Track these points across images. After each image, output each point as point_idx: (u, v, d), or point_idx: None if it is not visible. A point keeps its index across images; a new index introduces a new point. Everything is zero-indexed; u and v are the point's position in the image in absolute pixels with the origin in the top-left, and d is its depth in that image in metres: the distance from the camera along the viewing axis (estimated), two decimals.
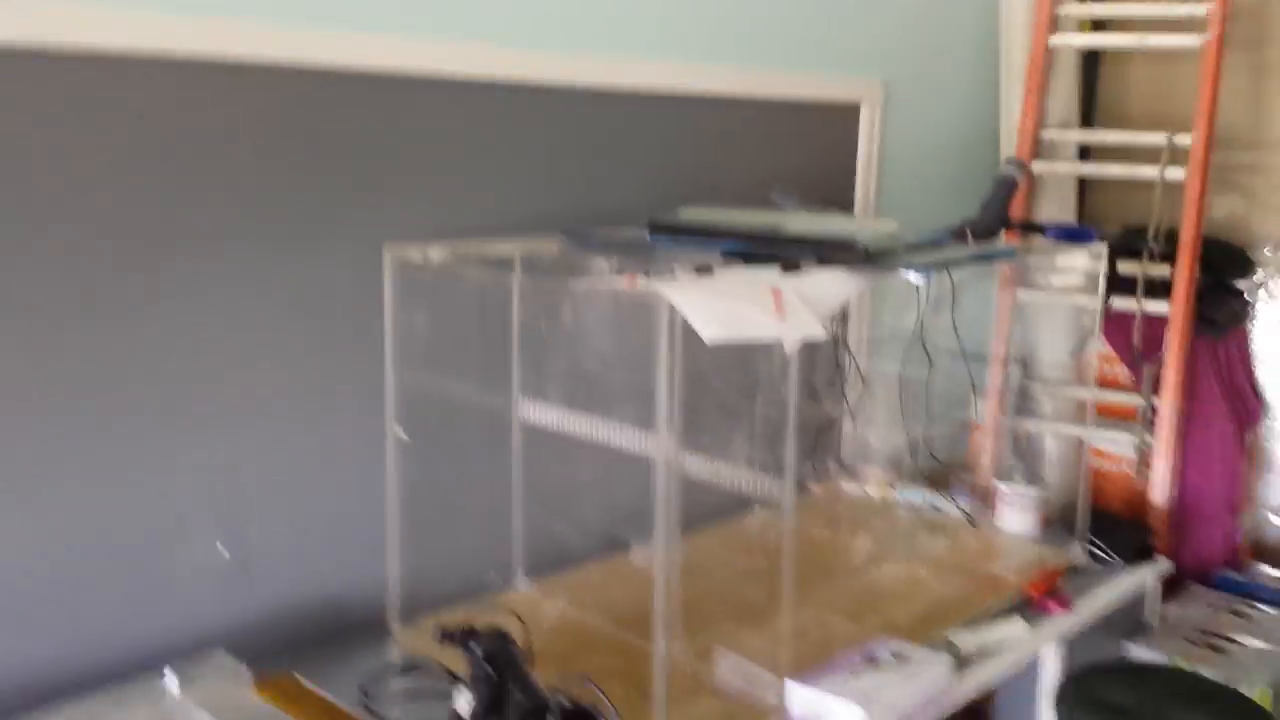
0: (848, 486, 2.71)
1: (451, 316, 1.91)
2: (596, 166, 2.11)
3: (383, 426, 1.87)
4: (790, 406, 1.65)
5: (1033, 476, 2.84)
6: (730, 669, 1.73)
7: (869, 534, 2.40)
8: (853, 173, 2.68)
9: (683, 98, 2.25)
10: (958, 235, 2.34)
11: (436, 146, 1.87)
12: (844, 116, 2.64)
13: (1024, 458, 2.90)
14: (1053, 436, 2.91)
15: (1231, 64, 2.91)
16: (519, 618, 1.79)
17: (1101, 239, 2.53)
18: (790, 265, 1.71)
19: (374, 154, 1.78)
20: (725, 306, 1.46)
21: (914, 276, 1.76)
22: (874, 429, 2.78)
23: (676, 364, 1.43)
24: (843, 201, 2.67)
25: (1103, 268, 2.48)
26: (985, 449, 2.83)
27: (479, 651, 1.48)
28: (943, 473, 2.79)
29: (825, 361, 2.67)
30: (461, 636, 1.50)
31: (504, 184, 1.96)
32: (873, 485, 2.70)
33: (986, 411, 2.83)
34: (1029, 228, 2.43)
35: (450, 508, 1.97)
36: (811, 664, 1.72)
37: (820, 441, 2.72)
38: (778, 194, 2.41)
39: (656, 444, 1.46)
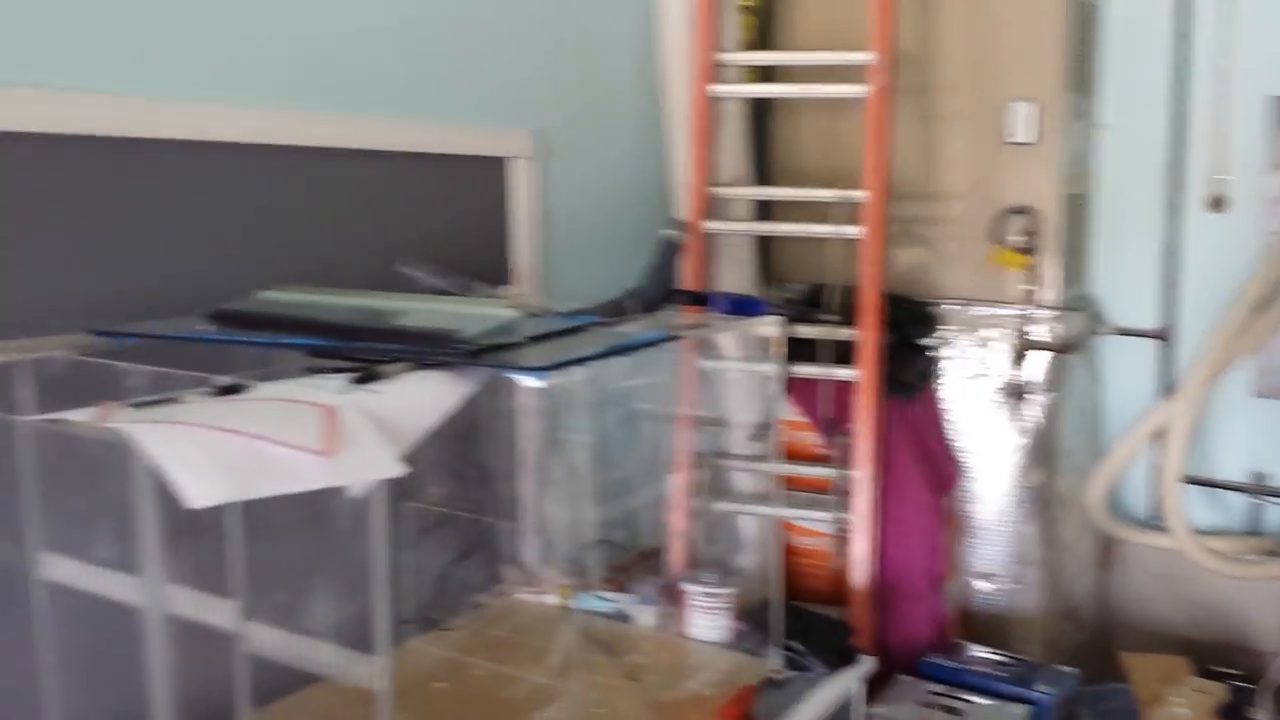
0: (526, 596, 2.34)
1: None
2: (166, 237, 1.66)
3: None
4: (377, 556, 1.27)
5: (729, 565, 2.58)
6: None
7: (537, 662, 2.04)
8: (507, 237, 2.35)
9: (284, 150, 1.84)
10: (616, 309, 2.05)
11: None
12: (493, 173, 2.32)
13: (721, 542, 2.63)
14: (746, 517, 2.65)
15: (901, 113, 2.80)
16: None
17: (780, 306, 2.32)
18: (367, 376, 1.34)
19: None
20: (234, 450, 1.07)
21: (527, 379, 1.43)
22: (558, 519, 2.43)
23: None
24: (499, 271, 2.33)
25: (776, 336, 2.25)
26: (676, 536, 2.54)
27: None
28: (634, 567, 2.48)
29: (499, 439, 2.30)
30: None
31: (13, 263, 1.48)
32: (553, 592, 2.34)
33: (676, 494, 2.54)
34: (693, 298, 2.17)
35: None
36: None
37: (489, 541, 2.34)
38: (409, 266, 2.04)
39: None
